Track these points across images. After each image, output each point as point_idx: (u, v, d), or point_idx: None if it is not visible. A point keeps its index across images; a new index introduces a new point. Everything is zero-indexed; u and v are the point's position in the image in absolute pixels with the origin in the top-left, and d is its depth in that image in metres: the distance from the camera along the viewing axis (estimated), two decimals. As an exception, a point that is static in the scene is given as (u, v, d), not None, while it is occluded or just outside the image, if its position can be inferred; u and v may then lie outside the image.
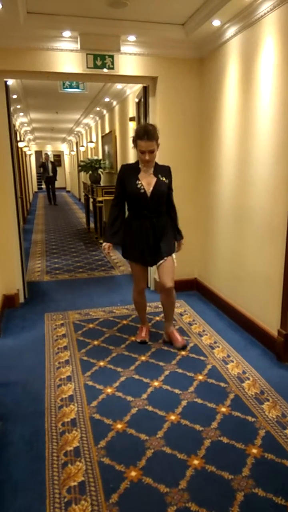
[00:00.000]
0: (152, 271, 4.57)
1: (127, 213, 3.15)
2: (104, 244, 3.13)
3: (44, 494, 1.85)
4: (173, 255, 3.13)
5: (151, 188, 2.95)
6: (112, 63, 3.93)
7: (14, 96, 6.86)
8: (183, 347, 3.22)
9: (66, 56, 3.87)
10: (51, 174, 15.42)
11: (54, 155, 22.77)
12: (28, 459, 2.07)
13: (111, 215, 3.12)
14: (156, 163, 3.03)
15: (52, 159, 18.16)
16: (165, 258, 3.05)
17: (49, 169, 15.44)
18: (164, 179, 3.01)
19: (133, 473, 1.96)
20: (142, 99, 4.47)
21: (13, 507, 1.79)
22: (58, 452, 2.11)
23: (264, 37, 3.01)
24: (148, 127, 2.84)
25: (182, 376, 2.85)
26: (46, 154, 16.92)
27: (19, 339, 3.51)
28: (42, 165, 15.94)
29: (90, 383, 2.77)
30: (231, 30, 3.45)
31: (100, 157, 9.28)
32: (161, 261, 3.06)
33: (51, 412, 2.45)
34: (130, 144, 6.66)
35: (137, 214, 3.04)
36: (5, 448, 2.15)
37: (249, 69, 3.24)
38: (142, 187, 2.94)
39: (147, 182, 2.97)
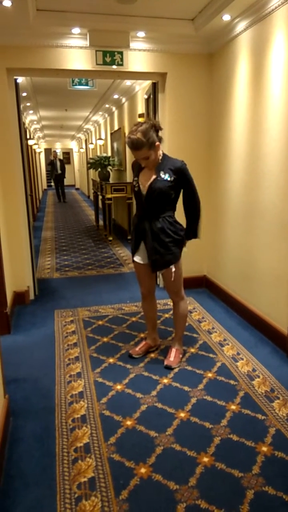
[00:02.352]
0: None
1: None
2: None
3: (55, 489, 1.87)
4: (173, 267, 2.78)
5: (146, 185, 2.70)
6: (122, 59, 3.92)
7: (24, 94, 6.90)
8: (168, 367, 2.90)
9: (75, 53, 3.87)
10: (59, 171, 15.45)
11: (63, 153, 22.87)
12: (39, 455, 2.09)
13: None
14: (164, 158, 2.72)
15: (61, 157, 18.22)
16: (163, 270, 2.82)
17: (57, 166, 15.47)
18: (166, 176, 2.66)
19: (142, 470, 1.97)
20: (151, 96, 4.46)
21: (24, 502, 1.81)
22: (69, 448, 2.13)
23: (275, 32, 2.97)
24: (133, 140, 2.52)
25: (192, 373, 2.85)
26: (55, 152, 16.97)
27: (29, 336, 3.54)
28: (50, 163, 15.98)
29: (100, 379, 2.78)
30: (241, 25, 3.41)
31: (109, 154, 9.27)
32: (162, 271, 2.87)
33: (61, 408, 2.47)
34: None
35: (136, 213, 2.88)
36: (16, 444, 2.17)
37: (259, 64, 3.20)
38: (137, 185, 2.76)
39: (145, 179, 2.72)
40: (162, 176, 2.67)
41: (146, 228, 2.74)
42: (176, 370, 2.89)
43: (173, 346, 3.05)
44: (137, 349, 3.11)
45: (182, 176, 2.72)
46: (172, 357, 2.97)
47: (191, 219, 2.89)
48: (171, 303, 3.21)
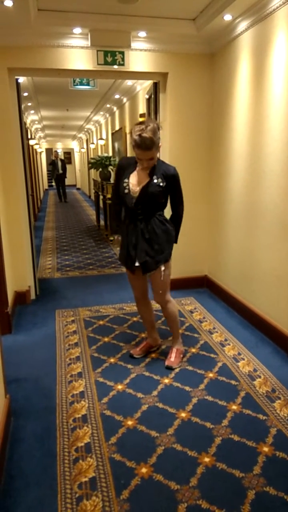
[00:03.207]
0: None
1: None
2: (113, 236, 3.02)
3: (56, 489, 1.87)
4: (162, 267, 2.74)
5: (138, 189, 2.60)
6: (123, 59, 3.91)
7: (25, 94, 6.90)
8: (168, 367, 2.90)
9: (76, 53, 3.87)
10: (61, 171, 15.47)
11: (65, 153, 22.89)
12: (40, 455, 2.09)
13: (111, 209, 2.97)
14: (159, 162, 2.66)
15: (62, 157, 18.23)
16: (152, 271, 2.73)
17: (58, 166, 15.50)
18: (159, 181, 2.60)
19: (144, 470, 1.96)
20: (152, 95, 4.45)
21: (25, 502, 1.81)
22: (69, 448, 2.13)
23: (276, 32, 2.97)
24: (146, 139, 2.42)
25: (193, 373, 2.85)
26: (56, 151, 17.00)
27: (30, 335, 3.54)
28: (51, 163, 16.00)
29: (101, 379, 2.78)
30: (242, 25, 3.41)
31: (110, 154, 9.27)
32: (151, 273, 2.76)
33: (62, 408, 2.47)
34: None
35: (125, 215, 2.77)
36: (17, 444, 2.17)
37: (261, 64, 3.20)
38: (127, 187, 2.63)
39: (137, 181, 2.62)
40: (155, 180, 2.61)
41: (136, 231, 2.67)
42: (177, 370, 2.89)
43: (173, 346, 3.05)
44: (137, 349, 3.10)
45: (173, 183, 2.67)
46: (173, 357, 2.96)
47: (176, 223, 2.87)
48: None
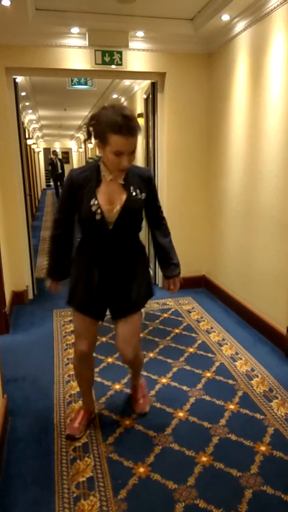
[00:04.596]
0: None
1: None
2: (47, 282, 2.17)
3: (53, 489, 1.87)
4: (142, 309, 2.14)
5: (115, 210, 1.86)
6: (121, 59, 3.91)
7: (23, 93, 6.88)
8: (142, 414, 2.35)
9: (74, 52, 3.87)
10: (60, 171, 15.56)
11: (62, 152, 22.86)
12: (37, 455, 2.09)
13: (52, 243, 2.08)
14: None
15: (60, 156, 18.23)
16: (128, 314, 2.04)
17: (58, 166, 15.57)
18: (138, 192, 1.91)
19: (141, 469, 1.97)
20: (150, 95, 4.45)
21: (23, 502, 1.81)
22: (67, 448, 2.13)
23: (274, 32, 2.97)
24: (132, 121, 1.72)
25: (190, 373, 2.85)
26: (55, 151, 17.01)
27: (28, 335, 3.54)
28: (51, 163, 16.02)
29: (99, 379, 2.78)
30: (240, 25, 3.41)
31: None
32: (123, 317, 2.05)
33: (60, 408, 2.47)
34: (139, 141, 6.64)
35: (90, 244, 1.97)
36: (15, 444, 2.17)
37: (259, 64, 3.20)
38: (98, 211, 1.84)
39: (109, 200, 1.86)
40: (135, 193, 1.90)
41: (110, 263, 1.96)
42: (174, 369, 2.89)
43: (135, 382, 2.46)
44: (76, 425, 2.23)
45: (152, 191, 2.02)
46: (141, 399, 2.41)
47: (167, 246, 2.15)
48: (170, 303, 3.18)
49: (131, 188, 1.90)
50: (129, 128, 1.70)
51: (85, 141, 16.62)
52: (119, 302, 2.03)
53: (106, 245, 1.93)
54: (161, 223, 2.14)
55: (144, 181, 1.96)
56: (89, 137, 1.84)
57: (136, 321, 2.08)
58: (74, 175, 1.90)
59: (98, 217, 1.85)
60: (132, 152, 1.78)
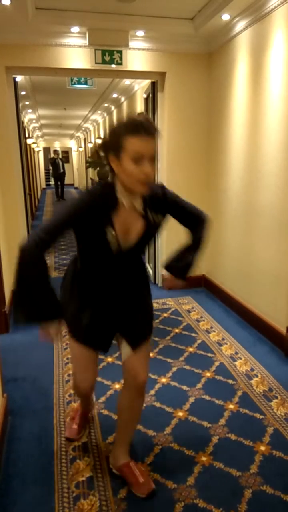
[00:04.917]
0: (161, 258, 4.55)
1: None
2: (50, 329, 1.69)
3: (53, 488, 1.87)
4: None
5: (131, 238, 1.61)
6: (121, 58, 3.91)
7: (23, 93, 6.88)
8: (150, 495, 1.81)
9: (74, 52, 3.86)
10: (61, 170, 15.65)
11: (62, 152, 22.82)
12: (37, 454, 2.09)
13: (37, 268, 1.56)
14: None
15: (60, 156, 18.25)
16: (146, 339, 1.81)
17: (60, 165, 15.65)
18: (156, 217, 1.65)
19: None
20: (150, 95, 4.45)
21: (23, 501, 1.81)
22: (67, 447, 2.13)
23: (274, 31, 2.97)
24: (147, 119, 1.54)
25: (190, 372, 2.85)
26: (56, 150, 17.08)
27: (28, 335, 3.53)
28: (53, 162, 16.06)
29: (98, 378, 2.77)
30: (240, 24, 3.41)
31: (108, 153, 9.25)
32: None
33: (60, 408, 2.47)
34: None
35: (94, 271, 1.71)
36: (15, 443, 2.17)
37: (259, 64, 3.20)
38: (114, 240, 1.57)
39: (125, 228, 1.59)
40: (154, 218, 1.65)
41: (116, 290, 1.73)
42: (174, 369, 2.89)
43: (125, 460, 1.92)
44: (74, 426, 2.20)
45: (169, 202, 1.73)
46: (140, 476, 1.86)
47: (196, 241, 1.88)
48: (170, 303, 3.17)
49: (150, 212, 1.63)
50: (145, 127, 1.47)
51: (85, 140, 16.62)
52: (133, 327, 1.78)
53: (113, 269, 1.67)
54: (199, 219, 1.86)
55: (159, 199, 1.66)
56: (105, 151, 1.54)
57: (143, 351, 1.81)
58: (89, 204, 1.53)
59: (114, 247, 1.57)
60: (153, 157, 1.51)
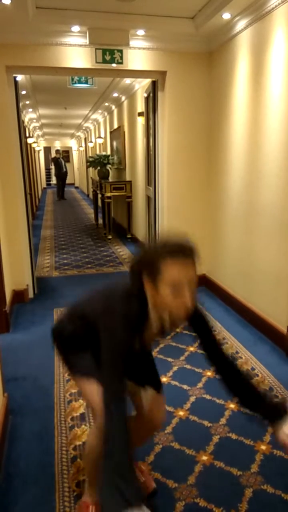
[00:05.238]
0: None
1: None
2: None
3: (54, 488, 1.87)
4: None
5: (154, 338, 1.57)
6: (121, 57, 3.91)
7: (23, 92, 6.87)
8: (151, 495, 1.79)
9: (75, 51, 3.86)
10: (64, 169, 15.71)
11: (63, 151, 22.83)
12: (38, 453, 2.09)
13: (122, 429, 1.25)
14: None
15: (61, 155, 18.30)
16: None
17: (62, 164, 15.71)
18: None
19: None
20: (151, 94, 4.45)
21: (23, 500, 1.81)
22: (68, 446, 2.13)
23: (275, 30, 2.96)
24: (183, 237, 1.35)
25: (191, 372, 2.85)
26: (58, 150, 17.14)
27: (28, 334, 3.54)
28: (56, 162, 16.07)
29: (99, 378, 2.78)
30: (241, 23, 3.40)
31: (109, 152, 9.26)
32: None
33: (60, 407, 2.47)
34: (139, 139, 6.69)
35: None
36: (15, 442, 2.17)
37: (260, 63, 3.20)
38: (139, 346, 1.49)
39: (151, 337, 1.52)
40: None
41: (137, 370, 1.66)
42: (175, 368, 2.89)
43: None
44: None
45: (202, 325, 1.64)
46: (142, 477, 1.84)
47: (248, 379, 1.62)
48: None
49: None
50: (187, 249, 1.28)
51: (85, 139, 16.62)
52: (151, 374, 1.74)
53: (132, 359, 1.47)
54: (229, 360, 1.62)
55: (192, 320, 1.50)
56: (139, 268, 1.33)
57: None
58: (128, 330, 1.35)
59: (137, 348, 1.47)
60: (194, 284, 1.29)
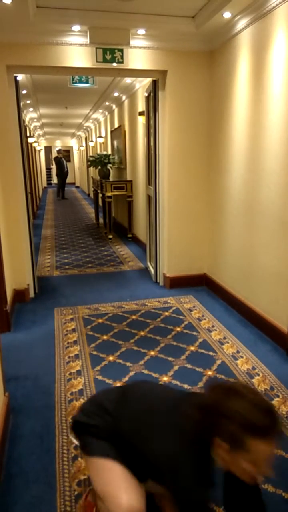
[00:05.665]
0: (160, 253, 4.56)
1: None
2: None
3: (55, 487, 1.87)
4: None
5: None
6: (122, 57, 3.91)
7: (24, 92, 6.87)
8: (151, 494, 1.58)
9: (75, 50, 3.86)
10: (66, 169, 15.76)
11: (64, 151, 22.84)
12: (39, 453, 2.09)
13: None
14: None
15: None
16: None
17: (64, 164, 15.75)
18: None
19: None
20: (151, 93, 4.44)
21: (24, 500, 1.81)
22: (68, 446, 2.13)
23: (276, 29, 2.96)
24: (274, 410, 1.23)
25: (192, 371, 2.85)
26: (60, 150, 17.18)
27: (29, 333, 3.54)
28: (58, 162, 16.08)
29: (100, 377, 2.78)
30: (242, 22, 3.40)
31: (109, 152, 9.26)
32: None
33: (61, 406, 2.47)
34: (139, 138, 6.69)
35: None
36: (16, 441, 2.18)
37: (260, 62, 3.19)
38: None
39: None
40: None
41: None
42: (176, 368, 2.90)
43: None
44: None
45: None
46: None
47: None
48: (171, 301, 3.15)
49: None
50: (277, 430, 1.18)
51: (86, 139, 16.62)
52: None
53: None
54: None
55: None
56: (211, 428, 1.20)
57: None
58: (203, 478, 1.27)
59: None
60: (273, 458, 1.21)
